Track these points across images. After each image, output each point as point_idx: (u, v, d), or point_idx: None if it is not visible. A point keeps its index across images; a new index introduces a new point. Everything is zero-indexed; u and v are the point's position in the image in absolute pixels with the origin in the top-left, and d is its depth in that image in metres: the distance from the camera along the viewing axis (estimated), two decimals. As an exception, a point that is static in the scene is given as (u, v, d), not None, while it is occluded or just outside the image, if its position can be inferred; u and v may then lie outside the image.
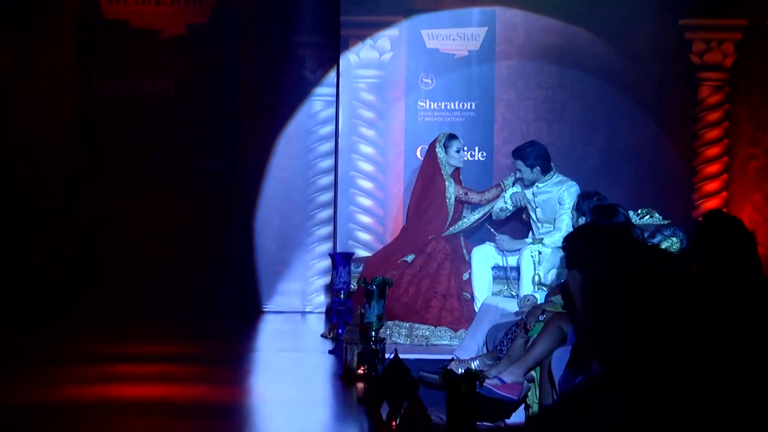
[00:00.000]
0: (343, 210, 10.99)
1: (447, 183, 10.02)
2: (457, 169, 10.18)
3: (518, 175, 9.87)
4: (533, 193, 9.82)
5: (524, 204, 9.87)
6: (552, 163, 9.86)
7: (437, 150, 10.07)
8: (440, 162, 10.05)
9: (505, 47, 10.93)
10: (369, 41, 10.96)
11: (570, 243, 7.15)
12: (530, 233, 9.86)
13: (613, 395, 5.38)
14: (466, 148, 10.39)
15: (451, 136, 10.14)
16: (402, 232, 10.32)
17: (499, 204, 10.00)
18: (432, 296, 9.64)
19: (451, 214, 10.00)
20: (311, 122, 11.54)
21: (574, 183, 9.77)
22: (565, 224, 9.48)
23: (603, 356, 5.58)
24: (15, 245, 11.25)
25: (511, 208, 9.95)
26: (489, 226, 9.96)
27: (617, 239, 6.55)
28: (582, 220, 8.16)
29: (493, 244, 9.79)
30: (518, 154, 9.81)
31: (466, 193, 10.07)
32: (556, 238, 9.50)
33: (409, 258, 9.86)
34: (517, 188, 9.94)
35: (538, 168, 9.75)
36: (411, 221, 10.23)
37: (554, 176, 9.81)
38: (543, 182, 9.79)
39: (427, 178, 10.11)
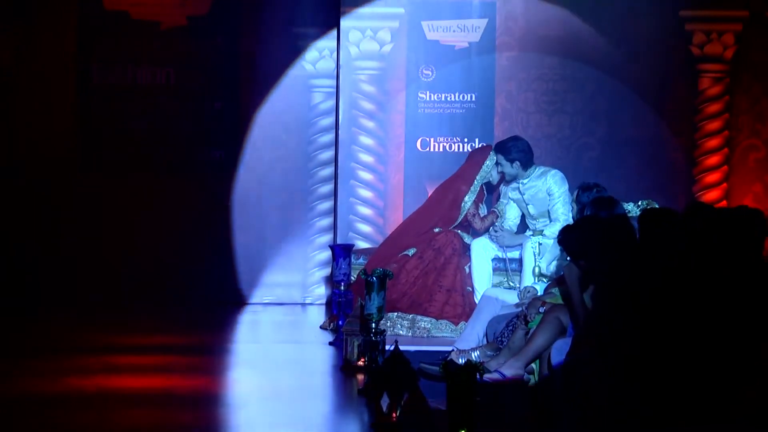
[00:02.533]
0: (343, 201, 10.99)
1: (470, 192, 9.92)
2: (481, 188, 10.00)
3: (499, 169, 9.85)
4: (520, 191, 9.80)
5: (506, 242, 9.74)
6: (533, 158, 9.81)
7: (486, 162, 9.89)
8: (480, 173, 9.92)
9: (505, 39, 10.92)
10: (369, 33, 10.95)
11: (565, 236, 7.16)
12: (527, 229, 9.86)
13: (611, 386, 5.38)
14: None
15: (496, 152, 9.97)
16: (407, 223, 10.25)
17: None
18: (437, 290, 9.64)
19: (458, 221, 9.93)
20: (311, 114, 11.53)
21: (557, 170, 9.75)
22: (561, 213, 9.49)
23: (600, 347, 5.59)
24: (15, 234, 11.25)
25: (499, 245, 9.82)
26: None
27: (613, 232, 6.55)
28: (585, 212, 8.15)
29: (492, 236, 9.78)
30: (499, 148, 9.80)
31: (474, 215, 9.96)
32: (556, 228, 9.49)
33: (410, 252, 9.85)
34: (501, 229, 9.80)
35: (518, 163, 9.70)
36: (422, 213, 10.13)
37: (535, 170, 9.79)
38: (526, 177, 9.76)
39: (455, 181, 10.01)
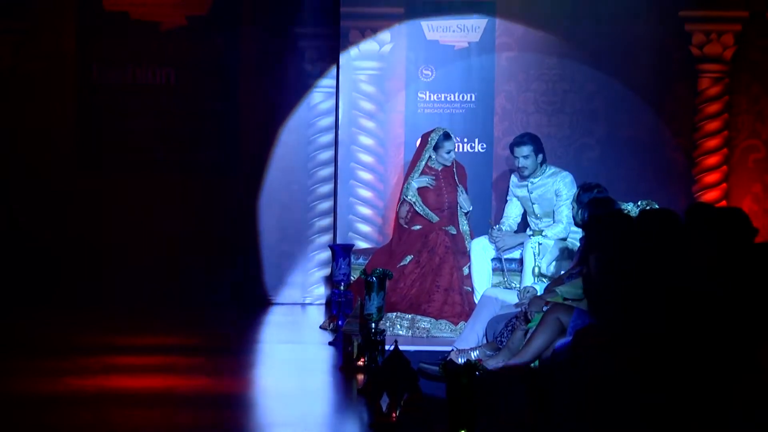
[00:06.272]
0: (343, 202, 11.00)
1: (415, 170, 10.03)
2: (443, 169, 10.06)
3: (519, 163, 9.82)
4: (529, 189, 9.82)
5: (506, 245, 9.76)
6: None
7: (426, 146, 10.03)
8: (421, 158, 10.03)
9: (505, 39, 10.92)
10: (369, 33, 10.95)
11: (592, 228, 7.12)
12: (527, 228, 9.87)
13: (612, 385, 5.40)
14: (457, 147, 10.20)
15: (446, 136, 10.04)
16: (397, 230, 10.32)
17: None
18: (434, 290, 9.65)
19: (404, 201, 10.02)
20: (311, 114, 11.53)
21: (568, 173, 9.78)
22: (565, 215, 9.49)
23: (601, 347, 5.60)
24: (15, 233, 11.25)
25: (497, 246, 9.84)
26: (490, 221, 9.97)
27: (613, 232, 6.57)
28: (582, 212, 8.16)
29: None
30: (532, 140, 9.79)
31: (403, 203, 10.06)
32: (558, 230, 9.51)
33: (407, 260, 9.86)
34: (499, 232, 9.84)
35: (542, 155, 9.79)
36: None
37: (547, 169, 9.81)
38: (537, 177, 9.79)
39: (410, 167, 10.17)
